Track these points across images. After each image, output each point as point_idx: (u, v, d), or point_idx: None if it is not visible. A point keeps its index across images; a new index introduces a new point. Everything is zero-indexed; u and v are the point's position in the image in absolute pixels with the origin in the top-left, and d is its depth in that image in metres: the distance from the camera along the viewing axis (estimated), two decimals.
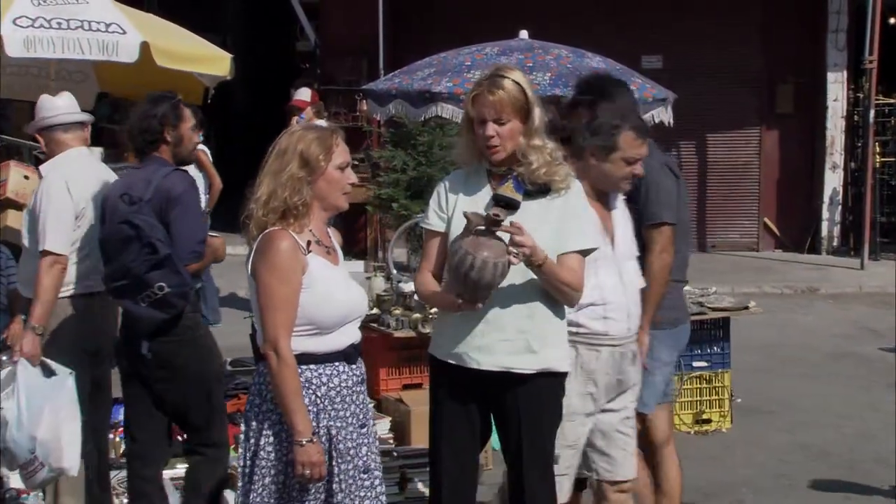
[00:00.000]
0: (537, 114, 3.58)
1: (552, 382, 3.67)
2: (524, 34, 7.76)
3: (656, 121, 7.37)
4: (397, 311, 6.26)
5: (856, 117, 13.80)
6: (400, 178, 10.84)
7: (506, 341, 3.60)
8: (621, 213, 4.10)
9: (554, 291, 3.62)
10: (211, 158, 9.14)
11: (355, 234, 12.98)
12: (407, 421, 5.86)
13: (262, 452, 3.36)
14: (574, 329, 3.87)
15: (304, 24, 14.34)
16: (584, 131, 4.04)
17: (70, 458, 4.36)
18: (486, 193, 3.65)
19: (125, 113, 9.72)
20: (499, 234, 3.48)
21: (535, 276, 3.57)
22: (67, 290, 4.58)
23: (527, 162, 3.57)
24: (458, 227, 3.61)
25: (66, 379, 4.41)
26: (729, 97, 14.01)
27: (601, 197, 4.02)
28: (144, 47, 6.53)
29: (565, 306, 3.71)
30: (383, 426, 5.74)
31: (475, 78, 7.10)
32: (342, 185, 3.42)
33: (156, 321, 4.21)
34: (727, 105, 13.99)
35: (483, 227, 3.46)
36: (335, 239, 3.56)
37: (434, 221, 3.73)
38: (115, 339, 4.58)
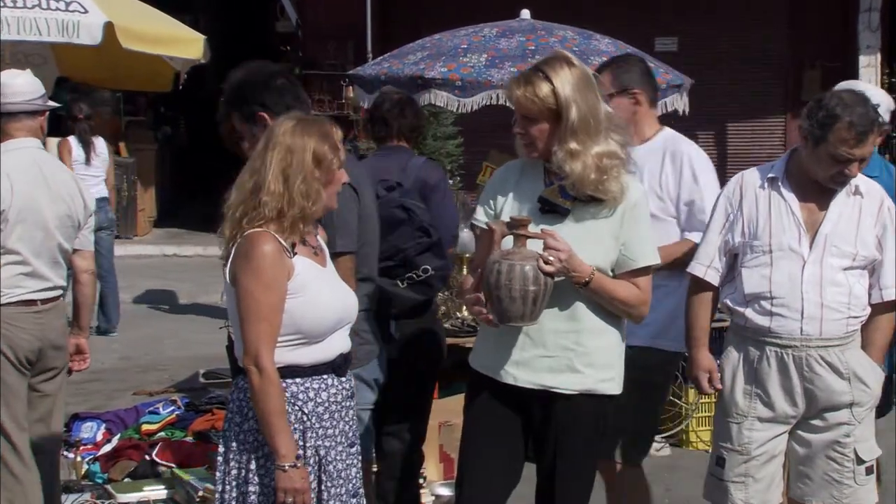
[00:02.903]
0: (575, 115, 3.47)
1: (596, 404, 3.65)
2: (526, 14, 7.76)
3: (670, 108, 7.38)
4: None
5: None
6: None
7: (547, 358, 3.58)
8: (847, 206, 3.99)
9: (611, 308, 3.61)
10: None
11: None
12: None
13: (251, 478, 3.32)
14: (742, 322, 4.00)
15: (284, 3, 14.33)
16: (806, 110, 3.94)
17: None
18: (537, 190, 3.62)
19: (92, 100, 9.73)
20: (532, 241, 3.45)
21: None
22: None
23: (563, 173, 3.51)
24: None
25: None
26: (751, 83, 14.03)
27: (814, 183, 3.96)
28: (108, 28, 6.54)
29: (625, 321, 3.70)
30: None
31: (471, 62, 7.21)
32: (339, 185, 3.41)
33: (412, 302, 4.57)
34: (749, 92, 14.01)
35: (509, 233, 3.44)
36: (321, 237, 3.54)
37: (481, 216, 3.74)
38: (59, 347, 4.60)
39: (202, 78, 10.36)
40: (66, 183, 4.77)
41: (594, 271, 3.50)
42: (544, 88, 3.48)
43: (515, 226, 3.46)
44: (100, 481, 5.63)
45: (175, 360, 8.80)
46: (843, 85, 4.64)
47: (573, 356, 3.58)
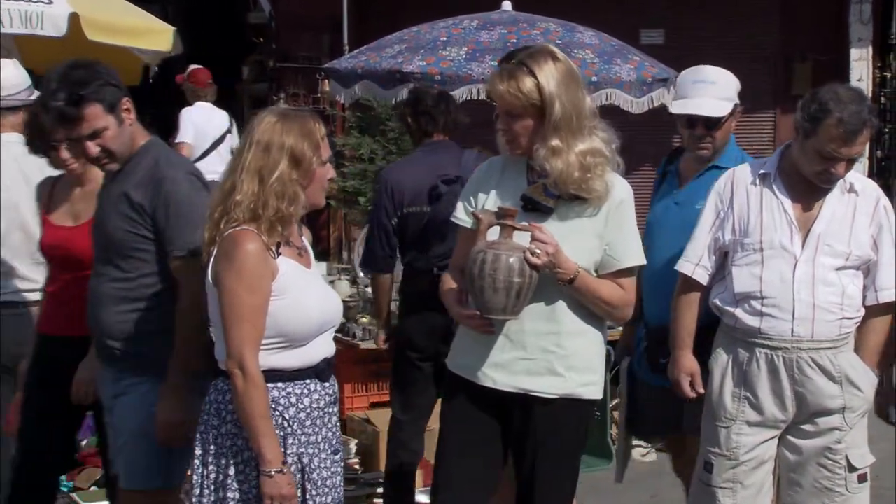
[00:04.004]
0: (559, 111, 3.47)
1: (577, 409, 3.67)
2: (507, 5, 7.78)
3: (657, 103, 7.42)
4: (364, 320, 6.29)
5: (883, 100, 13.88)
6: (367, 168, 10.82)
7: (526, 360, 3.59)
8: (841, 204, 4.00)
9: (594, 309, 3.62)
10: None
11: (317, 232, 12.94)
12: (375, 443, 5.89)
13: (229, 483, 3.31)
14: (731, 323, 3.99)
15: None
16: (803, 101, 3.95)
17: None
18: (520, 188, 3.63)
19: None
20: (519, 234, 3.47)
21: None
22: None
23: (545, 171, 3.52)
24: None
25: None
26: (739, 77, 14.01)
27: (808, 180, 3.96)
28: (74, 19, 6.51)
29: (607, 323, 3.71)
30: (349, 449, 5.76)
31: (451, 56, 7.22)
32: (324, 183, 3.40)
33: None
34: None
35: (496, 223, 3.46)
36: (306, 238, 3.54)
37: (461, 215, 3.74)
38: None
39: (172, 71, 10.33)
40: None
41: (579, 269, 3.51)
42: (528, 83, 3.49)
43: (503, 216, 3.47)
44: (65, 489, 5.61)
45: None
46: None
47: (553, 358, 3.59)
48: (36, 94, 4.89)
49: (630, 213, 3.64)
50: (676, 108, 4.38)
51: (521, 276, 3.40)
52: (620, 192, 3.60)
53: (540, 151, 3.51)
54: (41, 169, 4.83)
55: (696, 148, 4.39)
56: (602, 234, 3.58)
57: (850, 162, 3.91)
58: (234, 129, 10.61)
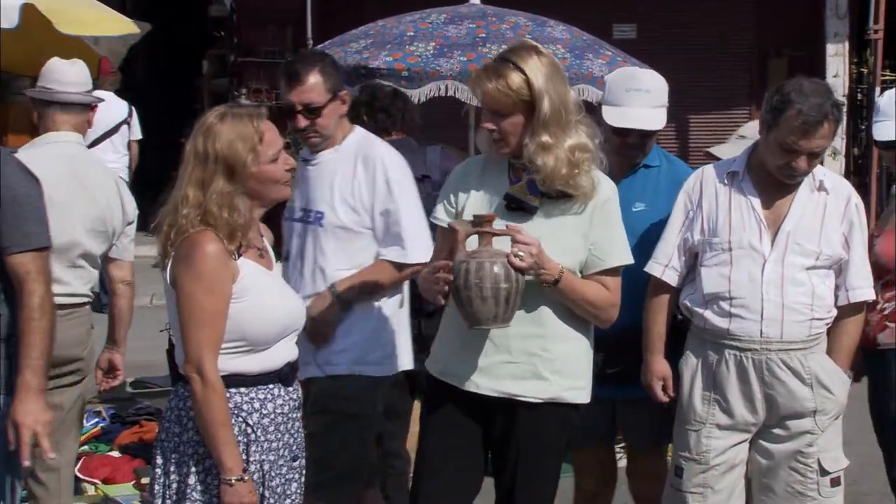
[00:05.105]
0: (548, 107, 3.49)
1: (561, 413, 3.68)
2: None
3: None
4: None
5: (859, 96, 13.99)
6: None
7: (510, 364, 3.60)
8: (811, 202, 4.01)
9: (579, 311, 3.63)
10: None
11: (277, 230, 12.92)
12: None
13: (189, 493, 3.31)
14: (701, 324, 4.01)
15: None
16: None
17: None
18: (501, 188, 3.65)
19: (10, 89, 9.60)
20: (498, 239, 3.47)
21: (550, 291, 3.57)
22: None
23: (534, 167, 3.53)
24: None
25: None
26: (713, 72, 14.15)
27: (775, 177, 3.98)
28: (27, 10, 6.46)
29: (594, 326, 3.72)
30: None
31: (418, 51, 7.21)
32: (277, 178, 3.37)
33: None
34: (711, 82, 14.12)
35: (474, 231, 3.44)
36: (266, 238, 3.53)
37: (441, 215, 3.75)
38: None
39: (130, 66, 10.29)
40: (104, 186, 4.71)
41: (563, 269, 3.52)
42: (517, 80, 3.50)
43: (480, 223, 3.47)
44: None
45: None
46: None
47: (538, 362, 3.60)
48: (95, 95, 4.90)
49: (615, 212, 3.66)
50: (612, 119, 4.29)
51: (507, 282, 3.40)
52: (605, 190, 3.63)
53: (529, 147, 3.52)
54: (101, 172, 4.81)
55: (628, 155, 4.37)
56: (587, 234, 3.60)
57: (812, 156, 3.92)
58: (134, 121, 10.67)
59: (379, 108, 5.42)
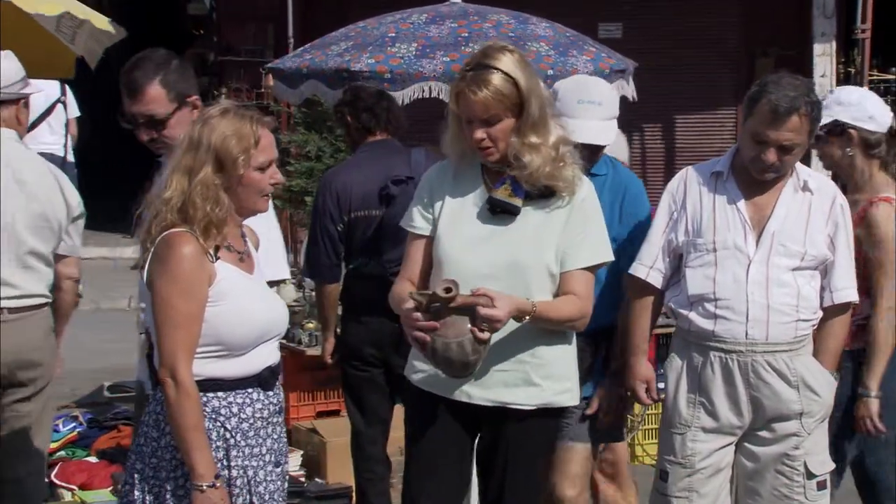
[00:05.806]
0: (535, 106, 3.53)
1: (550, 419, 3.73)
2: None
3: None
4: (311, 325, 6.27)
5: None
6: (314, 166, 10.80)
7: (502, 372, 3.63)
8: (795, 202, 4.02)
9: (558, 329, 3.67)
10: None
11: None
12: (322, 454, 5.88)
13: (167, 498, 3.30)
14: (685, 326, 4.02)
15: None
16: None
17: None
18: (479, 195, 3.67)
19: None
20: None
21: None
22: None
23: (520, 164, 3.55)
24: (445, 230, 3.64)
25: None
26: (700, 72, 14.18)
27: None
28: (2, 7, 6.44)
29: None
30: (294, 461, 5.75)
31: (400, 53, 7.20)
32: (261, 188, 3.38)
33: None
34: (698, 82, 14.16)
35: (437, 306, 3.45)
36: (250, 241, 3.53)
37: (418, 223, 3.75)
38: None
39: (107, 65, 10.25)
40: (43, 180, 4.64)
41: (535, 304, 3.54)
42: (506, 84, 3.52)
43: (439, 303, 3.44)
44: None
45: (76, 373, 8.64)
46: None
47: (529, 368, 3.64)
48: (30, 86, 4.80)
49: (593, 209, 3.70)
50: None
51: (475, 354, 3.47)
52: (583, 189, 3.67)
53: (516, 146, 3.54)
54: (38, 166, 4.72)
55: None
56: (564, 231, 3.63)
57: (782, 150, 3.91)
58: (70, 99, 10.47)
59: (363, 108, 5.42)
